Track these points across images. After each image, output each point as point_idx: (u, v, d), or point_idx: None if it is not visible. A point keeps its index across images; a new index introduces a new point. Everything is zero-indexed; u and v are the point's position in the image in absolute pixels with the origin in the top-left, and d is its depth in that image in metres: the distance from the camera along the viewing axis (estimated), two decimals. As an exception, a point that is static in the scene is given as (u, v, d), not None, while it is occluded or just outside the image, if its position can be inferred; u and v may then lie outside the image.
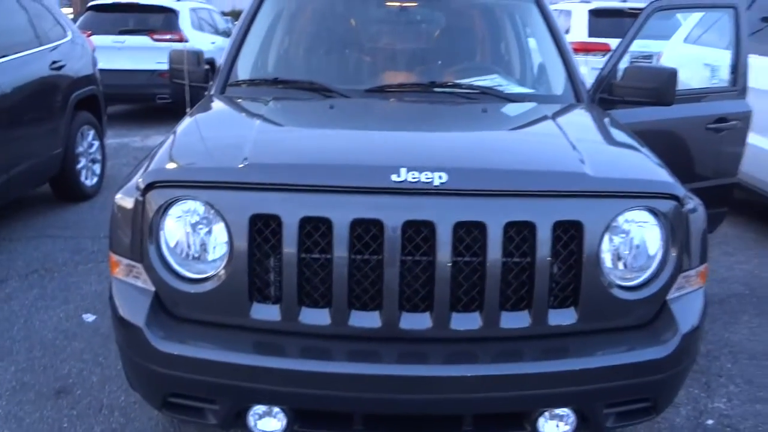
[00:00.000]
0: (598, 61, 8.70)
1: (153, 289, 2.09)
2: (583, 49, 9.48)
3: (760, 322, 3.85)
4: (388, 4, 3.77)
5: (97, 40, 8.50)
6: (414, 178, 1.98)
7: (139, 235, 2.08)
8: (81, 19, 9.97)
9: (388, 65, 3.53)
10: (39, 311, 3.78)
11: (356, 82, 3.27)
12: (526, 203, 2.01)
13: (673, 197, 2.12)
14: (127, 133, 8.98)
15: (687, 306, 2.17)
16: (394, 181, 1.98)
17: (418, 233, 1.96)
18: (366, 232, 1.96)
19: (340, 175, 2.04)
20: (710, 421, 2.90)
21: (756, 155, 5.02)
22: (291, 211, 1.96)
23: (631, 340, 2.08)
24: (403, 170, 1.99)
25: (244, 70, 3.31)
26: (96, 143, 6.11)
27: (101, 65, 6.63)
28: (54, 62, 5.41)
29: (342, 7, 3.76)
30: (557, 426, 2.09)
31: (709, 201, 2.78)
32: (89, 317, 3.71)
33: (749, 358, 3.44)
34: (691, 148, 3.80)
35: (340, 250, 1.95)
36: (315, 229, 1.97)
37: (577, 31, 9.88)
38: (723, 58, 4.55)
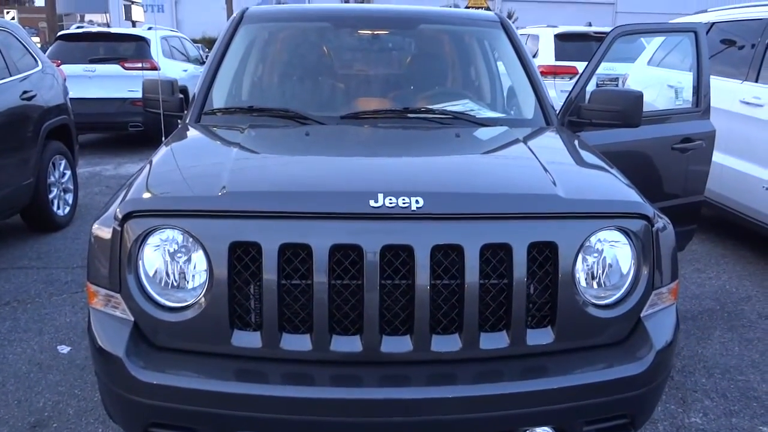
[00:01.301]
0: (566, 84, 8.92)
1: (132, 318, 2.08)
2: (551, 72, 9.69)
3: (731, 337, 3.94)
4: (360, 32, 3.84)
5: (68, 69, 8.46)
6: (391, 203, 2.01)
7: (117, 265, 2.08)
8: (51, 48, 9.93)
9: (362, 92, 3.59)
10: (12, 344, 3.71)
11: (331, 109, 3.31)
12: (502, 226, 2.06)
13: (643, 217, 2.18)
14: (100, 162, 8.92)
15: (660, 322, 2.22)
16: (372, 207, 2.01)
17: (397, 257, 1.99)
18: (345, 257, 1.99)
19: (318, 202, 2.06)
20: (686, 436, 2.95)
21: (720, 173, 5.17)
22: (270, 238, 1.98)
23: (607, 358, 2.12)
24: (380, 195, 2.03)
25: (219, 98, 3.33)
26: (68, 173, 6.06)
27: (72, 94, 6.61)
28: (24, 92, 5.38)
29: (315, 35, 3.81)
30: (538, 445, 2.12)
31: (679, 219, 2.86)
32: (64, 348, 3.66)
33: (722, 373, 3.51)
34: (659, 168, 3.90)
35: (320, 276, 1.96)
36: (294, 256, 1.99)
37: (545, 54, 10.10)
38: (686, 80, 4.70)
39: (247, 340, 2.02)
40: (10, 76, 5.33)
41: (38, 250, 5.30)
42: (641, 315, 2.20)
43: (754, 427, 3.03)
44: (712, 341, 3.88)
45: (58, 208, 5.84)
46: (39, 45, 14.64)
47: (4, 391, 3.23)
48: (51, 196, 5.67)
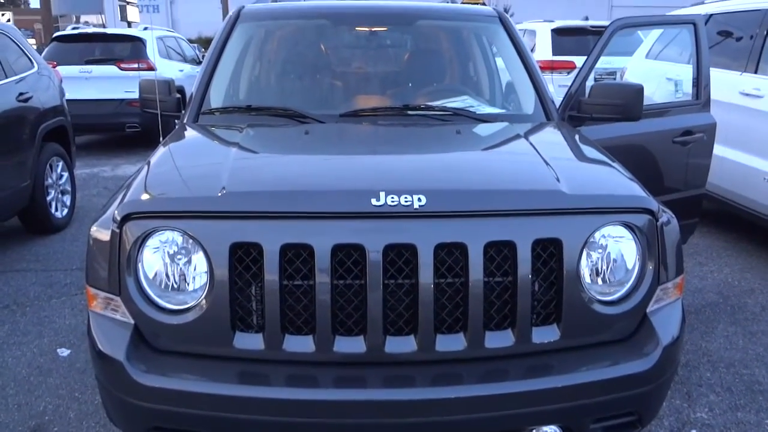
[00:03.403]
0: (564, 79, 8.89)
1: (132, 321, 2.06)
2: (549, 67, 9.65)
3: (735, 330, 3.92)
4: (358, 29, 3.81)
5: (64, 70, 8.42)
6: (393, 201, 1.99)
7: (116, 267, 2.05)
8: (46, 50, 9.89)
9: (361, 89, 3.56)
10: (11, 347, 3.69)
11: (330, 107, 3.29)
12: (505, 223, 2.03)
13: (648, 211, 2.15)
14: (97, 163, 8.88)
15: (666, 318, 2.20)
16: (374, 206, 1.98)
17: (400, 256, 1.97)
18: (348, 257, 1.96)
19: (319, 201, 2.04)
20: (694, 431, 2.93)
21: (721, 166, 5.15)
22: (271, 238, 1.95)
23: (614, 355, 2.10)
24: (382, 194, 2.00)
25: (216, 98, 3.31)
26: (65, 174, 6.03)
27: (69, 95, 6.58)
28: (20, 94, 5.35)
29: (312, 33, 3.78)
30: (545, 443, 2.10)
31: (680, 212, 2.84)
32: (64, 351, 3.63)
33: (727, 367, 3.49)
34: (660, 161, 3.88)
35: (322, 276, 1.94)
36: (296, 256, 1.97)
37: (542, 49, 10.06)
38: (685, 72, 4.68)
39: (250, 342, 2.00)
40: (6, 78, 5.29)
41: (37, 253, 5.27)
42: (647, 311, 2.17)
43: (761, 421, 3.01)
44: (716, 335, 3.86)
45: (56, 210, 5.81)
46: (35, 46, 14.59)
47: (4, 395, 3.21)
48: (49, 198, 5.64)
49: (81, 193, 6.83)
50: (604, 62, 8.88)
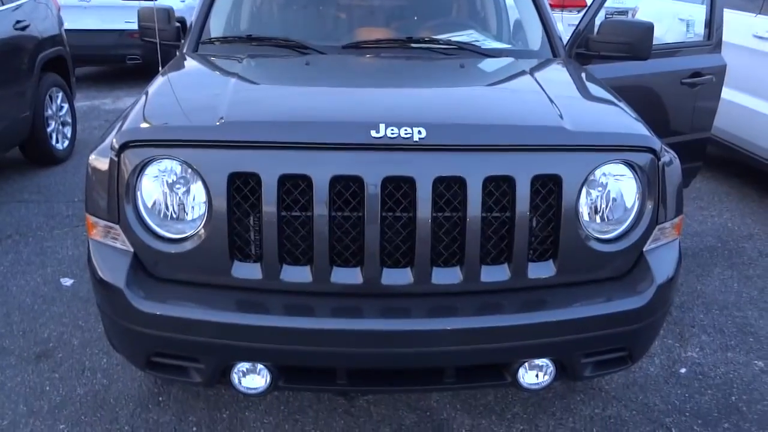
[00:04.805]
0: (574, 17, 8.66)
1: (132, 250, 2.07)
2: (559, 5, 9.41)
3: (731, 274, 3.95)
4: (363, -42, 3.69)
5: (62, -1, 8.22)
6: (393, 133, 1.97)
7: (115, 196, 2.05)
8: (44, -23, 9.63)
9: (365, 21, 3.48)
10: (15, 276, 3.73)
11: (332, 39, 3.22)
12: (505, 158, 2.02)
13: (650, 150, 2.13)
14: (98, 95, 8.79)
15: (663, 257, 2.21)
16: (374, 137, 1.97)
17: (398, 189, 1.96)
18: (346, 188, 1.96)
19: (318, 132, 2.02)
20: (683, 370, 2.99)
21: (729, 110, 5.08)
22: (269, 168, 1.95)
23: (608, 292, 2.12)
24: (382, 126, 1.98)
25: (216, 27, 3.24)
26: (65, 106, 5.97)
27: (67, 25, 6.43)
28: (17, 22, 5.23)
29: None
30: (537, 376, 2.14)
31: (684, 155, 2.81)
32: (67, 281, 3.68)
33: (720, 309, 3.53)
34: (666, 102, 3.83)
35: (320, 208, 1.94)
36: (294, 187, 1.96)
37: (553, -14, 9.79)
38: (697, 13, 4.57)
39: (248, 271, 2.02)
40: (2, 5, 5.18)
41: (38, 184, 5.28)
42: (644, 249, 2.18)
43: (750, 362, 3.07)
44: (711, 278, 3.89)
45: (57, 141, 5.78)
46: (32, -26, 14.23)
47: (9, 322, 3.27)
48: (49, 129, 5.60)
49: (82, 125, 6.79)
50: (616, 1, 8.65)
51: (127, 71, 10.02)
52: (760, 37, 5.04)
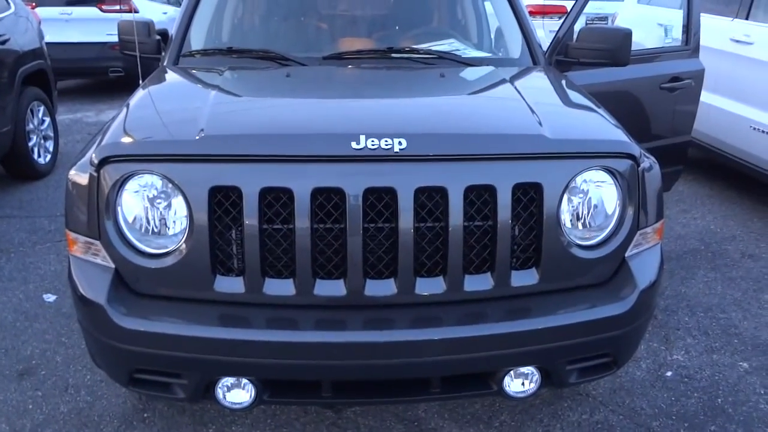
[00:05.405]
0: (555, 24, 8.74)
1: (113, 266, 2.06)
2: (540, 12, 9.49)
3: (714, 276, 3.98)
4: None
5: (43, 12, 8.17)
6: (374, 144, 1.97)
7: (95, 211, 2.04)
8: (24, -10, 9.58)
9: (345, 32, 3.49)
10: (-4, 293, 3.69)
11: (313, 50, 3.22)
12: (486, 167, 2.03)
13: (629, 156, 2.15)
14: (80, 109, 8.73)
15: (645, 262, 2.22)
16: (354, 149, 1.97)
17: (380, 200, 1.96)
18: (327, 200, 1.96)
19: (299, 144, 2.02)
20: (669, 373, 3.00)
21: (708, 113, 5.14)
22: (251, 182, 1.94)
23: (591, 298, 2.13)
24: (362, 137, 1.98)
25: (197, 40, 3.24)
26: (47, 120, 5.93)
27: (49, 38, 6.40)
28: (-3, 36, 5.20)
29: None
30: (522, 384, 2.14)
31: (665, 159, 2.84)
32: (50, 297, 3.64)
33: (705, 311, 3.56)
34: (647, 107, 3.86)
35: (302, 220, 1.94)
36: (276, 200, 1.96)
37: (534, -7, 9.86)
38: (676, 18, 4.62)
39: (230, 285, 2.01)
40: (-19, 19, 5.14)
41: (20, 199, 5.23)
42: (626, 255, 2.19)
43: (735, 363, 3.09)
44: (695, 280, 3.92)
45: (39, 155, 5.73)
46: (13, -12, 14.15)
47: (-9, 339, 3.23)
48: (31, 143, 5.55)
49: (64, 139, 6.75)
50: (596, 7, 8.73)
51: (110, 84, 9.98)
52: (737, 41, 5.11)
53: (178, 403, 2.69)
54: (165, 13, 10.51)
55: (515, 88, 2.62)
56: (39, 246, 4.33)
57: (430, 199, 1.98)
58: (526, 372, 2.12)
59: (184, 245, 2.00)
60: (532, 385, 2.15)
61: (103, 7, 9.21)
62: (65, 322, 3.37)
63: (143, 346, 1.99)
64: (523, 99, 2.43)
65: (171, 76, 2.92)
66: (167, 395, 2.11)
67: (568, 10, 3.79)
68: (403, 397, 2.24)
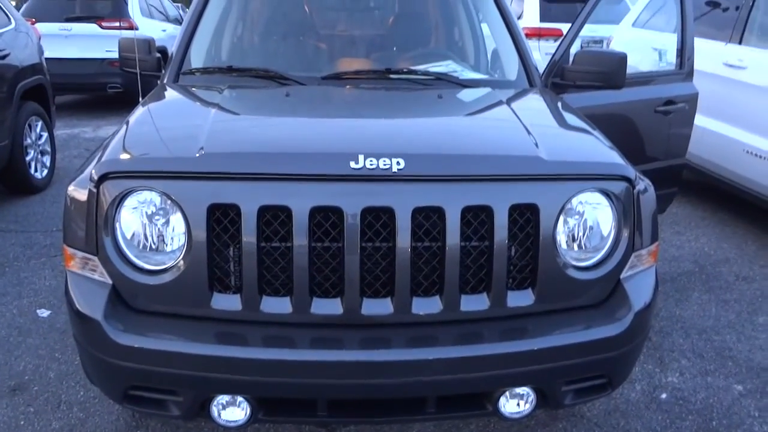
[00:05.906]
0: (551, 47, 8.82)
1: (110, 281, 2.06)
2: (536, 34, 9.57)
3: (708, 298, 3.99)
4: (342, -10, 3.75)
5: (43, 27, 8.24)
6: (372, 164, 1.99)
7: (93, 227, 2.04)
8: (25, 6, 9.65)
9: (344, 52, 3.52)
10: (-10, 308, 3.68)
11: (312, 70, 3.25)
12: (483, 188, 2.04)
13: (625, 179, 2.17)
14: (78, 124, 8.76)
15: (639, 284, 2.23)
16: (353, 168, 1.98)
17: (378, 219, 1.98)
18: (325, 219, 1.97)
19: (298, 163, 2.03)
20: (664, 395, 3.00)
21: (702, 136, 5.19)
22: (249, 200, 1.95)
23: (586, 319, 2.14)
24: (361, 157, 2.00)
25: (197, 58, 3.26)
26: (45, 134, 5.95)
27: (48, 54, 6.44)
28: (-3, 51, 5.23)
29: (295, -7, 3.72)
30: (518, 405, 2.14)
31: (660, 182, 2.86)
32: (44, 312, 3.63)
33: (699, 333, 3.57)
34: (641, 130, 3.90)
35: (300, 239, 1.95)
36: (274, 218, 1.97)
37: (529, 16, 9.96)
38: (670, 42, 4.67)
39: (227, 302, 2.01)
40: (-18, 34, 5.17)
41: (16, 213, 5.22)
42: (621, 277, 2.21)
43: (729, 386, 3.09)
44: (690, 303, 3.93)
45: (36, 170, 5.74)
46: (13, 2, 14.23)
47: (-16, 354, 3.21)
48: (28, 158, 5.57)
49: (61, 154, 6.75)
50: (591, 30, 8.80)
51: (108, 99, 10.02)
52: (731, 65, 5.17)
53: (172, 420, 2.68)
54: (164, 30, 10.61)
55: (512, 109, 2.65)
56: (34, 261, 4.32)
57: (428, 219, 2.00)
58: (521, 392, 2.12)
59: (181, 262, 2.00)
60: (528, 405, 2.15)
61: (103, 23, 9.29)
62: (59, 337, 3.36)
63: (139, 362, 1.98)
64: (520, 121, 2.46)
65: (171, 93, 2.94)
66: (162, 412, 2.11)
67: (564, 33, 3.84)
68: (399, 417, 2.23)
